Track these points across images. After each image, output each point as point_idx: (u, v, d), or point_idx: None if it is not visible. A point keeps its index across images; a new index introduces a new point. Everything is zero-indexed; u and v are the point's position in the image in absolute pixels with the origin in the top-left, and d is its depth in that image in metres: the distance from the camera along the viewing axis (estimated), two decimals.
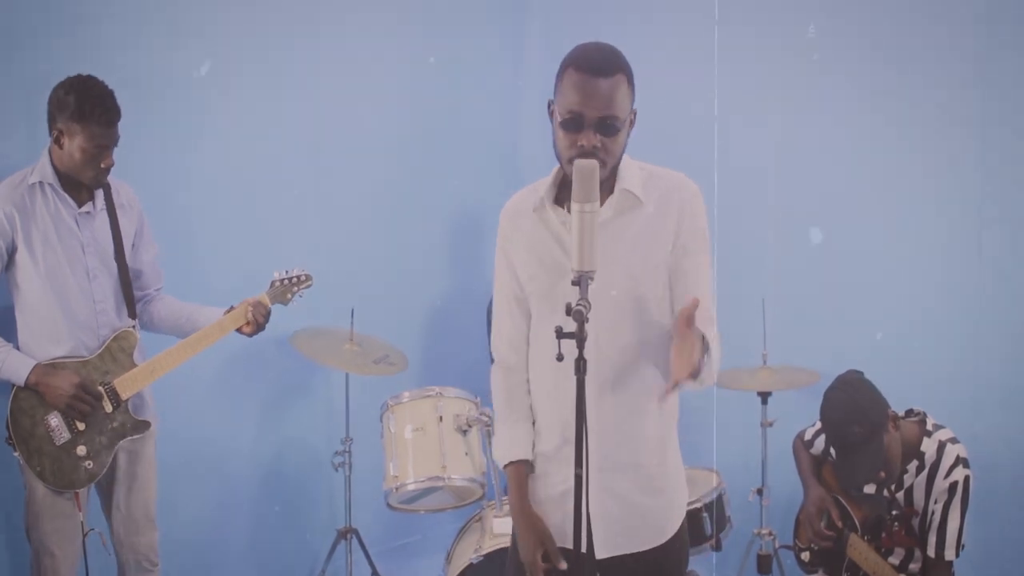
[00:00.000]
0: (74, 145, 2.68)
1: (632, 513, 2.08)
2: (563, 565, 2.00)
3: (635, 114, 2.00)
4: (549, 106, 2.00)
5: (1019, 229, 3.44)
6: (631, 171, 2.03)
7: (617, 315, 2.01)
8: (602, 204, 1.98)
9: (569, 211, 2.01)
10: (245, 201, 3.58)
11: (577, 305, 1.78)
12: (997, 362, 3.43)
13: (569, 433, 1.98)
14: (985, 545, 3.28)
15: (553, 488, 2.10)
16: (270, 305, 2.93)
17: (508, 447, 2.14)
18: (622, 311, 2.01)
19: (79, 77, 2.70)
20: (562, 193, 2.05)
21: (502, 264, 2.15)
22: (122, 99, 2.73)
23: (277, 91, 3.63)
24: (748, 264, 3.79)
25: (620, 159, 2.00)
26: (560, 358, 1.80)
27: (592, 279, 1.83)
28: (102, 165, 2.72)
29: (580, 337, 1.78)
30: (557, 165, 2.05)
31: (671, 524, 2.13)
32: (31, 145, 2.85)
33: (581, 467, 1.80)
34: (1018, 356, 3.41)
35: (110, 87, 2.71)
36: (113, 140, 2.72)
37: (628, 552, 2.08)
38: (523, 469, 2.11)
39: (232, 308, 2.92)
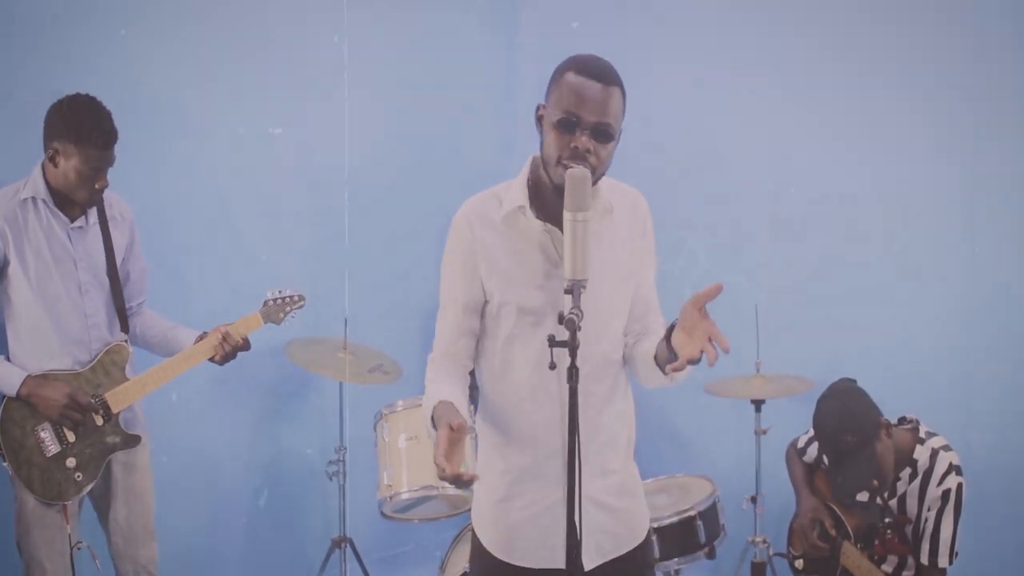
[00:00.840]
0: (69, 166, 2.68)
1: (615, 519, 2.08)
2: (458, 421, 1.82)
3: (620, 135, 1.99)
4: (537, 111, 1.99)
5: (1012, 235, 3.46)
6: (601, 185, 2.02)
7: (595, 323, 1.98)
8: None
9: (545, 220, 1.99)
10: (237, 211, 3.57)
11: (570, 313, 1.78)
12: (991, 369, 3.45)
13: (550, 448, 2.00)
14: (979, 552, 3.29)
15: (532, 506, 2.05)
16: (239, 338, 2.91)
17: (438, 396, 1.95)
18: (599, 319, 2.00)
19: (78, 97, 2.70)
20: (537, 201, 2.01)
21: (456, 272, 2.06)
22: (112, 111, 2.73)
23: (268, 99, 3.63)
24: (741, 271, 3.79)
25: (604, 173, 1.99)
26: (553, 366, 1.79)
27: (584, 287, 1.83)
28: (96, 186, 2.72)
29: (573, 346, 1.78)
30: (523, 171, 2.03)
31: (644, 524, 2.16)
32: (18, 159, 2.84)
33: (575, 478, 1.80)
34: (1012, 363, 3.42)
35: (107, 108, 2.71)
36: (108, 162, 2.72)
37: (613, 557, 2.08)
38: (455, 405, 1.94)
39: (204, 335, 2.92)
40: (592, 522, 2.02)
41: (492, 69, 4.33)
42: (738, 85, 3.84)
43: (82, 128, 2.65)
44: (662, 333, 1.94)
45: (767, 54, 3.80)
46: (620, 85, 1.95)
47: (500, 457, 2.09)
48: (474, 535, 2.14)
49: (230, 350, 2.89)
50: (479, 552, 2.13)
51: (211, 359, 2.91)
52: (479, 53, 4.28)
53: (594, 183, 1.94)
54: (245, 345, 2.94)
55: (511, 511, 2.07)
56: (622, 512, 2.10)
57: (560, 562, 1.88)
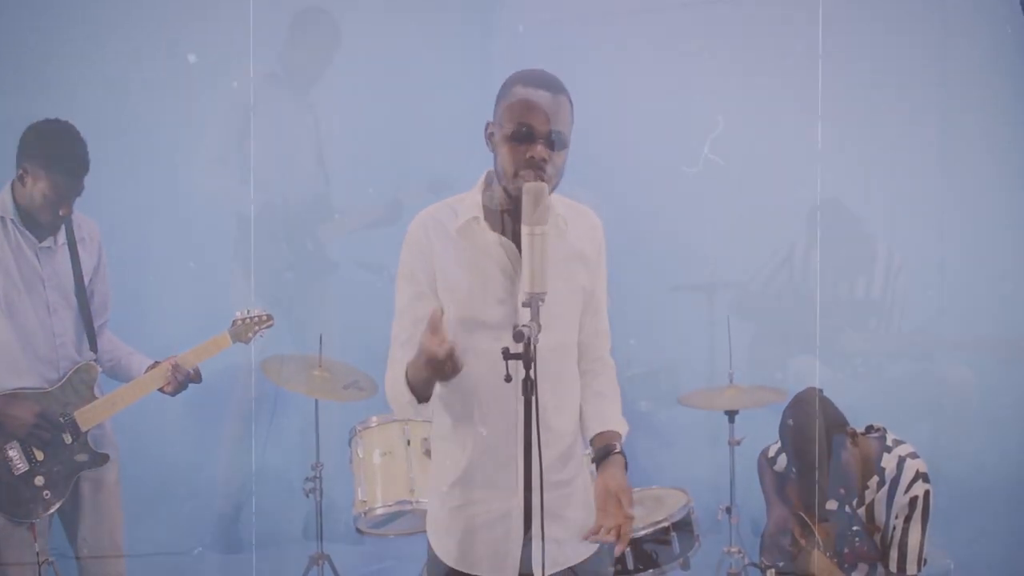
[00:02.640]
0: (36, 188, 2.73)
1: (567, 529, 2.08)
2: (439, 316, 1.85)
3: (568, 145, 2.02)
4: (487, 128, 2.01)
5: (985, 244, 3.50)
6: (554, 200, 2.04)
7: (548, 337, 1.98)
8: None
9: (503, 233, 2.01)
10: (209, 230, 3.59)
11: (524, 326, 1.80)
12: (960, 377, 3.47)
13: (503, 457, 2.01)
14: (954, 557, 3.31)
15: (485, 515, 2.06)
16: (189, 369, 2.94)
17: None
18: (551, 334, 1.98)
19: (57, 122, 2.75)
20: (492, 214, 2.02)
21: (411, 284, 2.05)
22: (83, 131, 2.75)
23: (243, 121, 3.65)
24: (713, 283, 3.82)
25: (559, 183, 2.01)
26: (509, 379, 1.81)
27: (543, 301, 1.85)
28: (60, 213, 2.75)
29: (528, 358, 1.80)
30: (477, 184, 2.05)
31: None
32: None
33: (530, 488, 1.82)
34: (979, 372, 3.45)
35: (84, 138, 2.74)
36: (76, 191, 2.76)
37: (568, 566, 2.09)
38: None
39: (156, 364, 2.94)
40: (549, 534, 2.01)
41: (467, 92, 4.36)
42: (706, 100, 3.87)
43: (53, 154, 2.70)
44: (599, 416, 2.09)
45: (743, 66, 3.84)
46: (567, 94, 1.99)
47: (454, 466, 2.09)
48: (429, 545, 2.15)
49: (181, 379, 2.91)
50: (433, 560, 2.14)
51: (161, 389, 2.93)
52: (453, 75, 4.31)
53: (549, 192, 1.96)
54: (196, 377, 2.97)
55: (464, 519, 2.08)
56: (579, 523, 2.10)
57: (512, 572, 1.89)
